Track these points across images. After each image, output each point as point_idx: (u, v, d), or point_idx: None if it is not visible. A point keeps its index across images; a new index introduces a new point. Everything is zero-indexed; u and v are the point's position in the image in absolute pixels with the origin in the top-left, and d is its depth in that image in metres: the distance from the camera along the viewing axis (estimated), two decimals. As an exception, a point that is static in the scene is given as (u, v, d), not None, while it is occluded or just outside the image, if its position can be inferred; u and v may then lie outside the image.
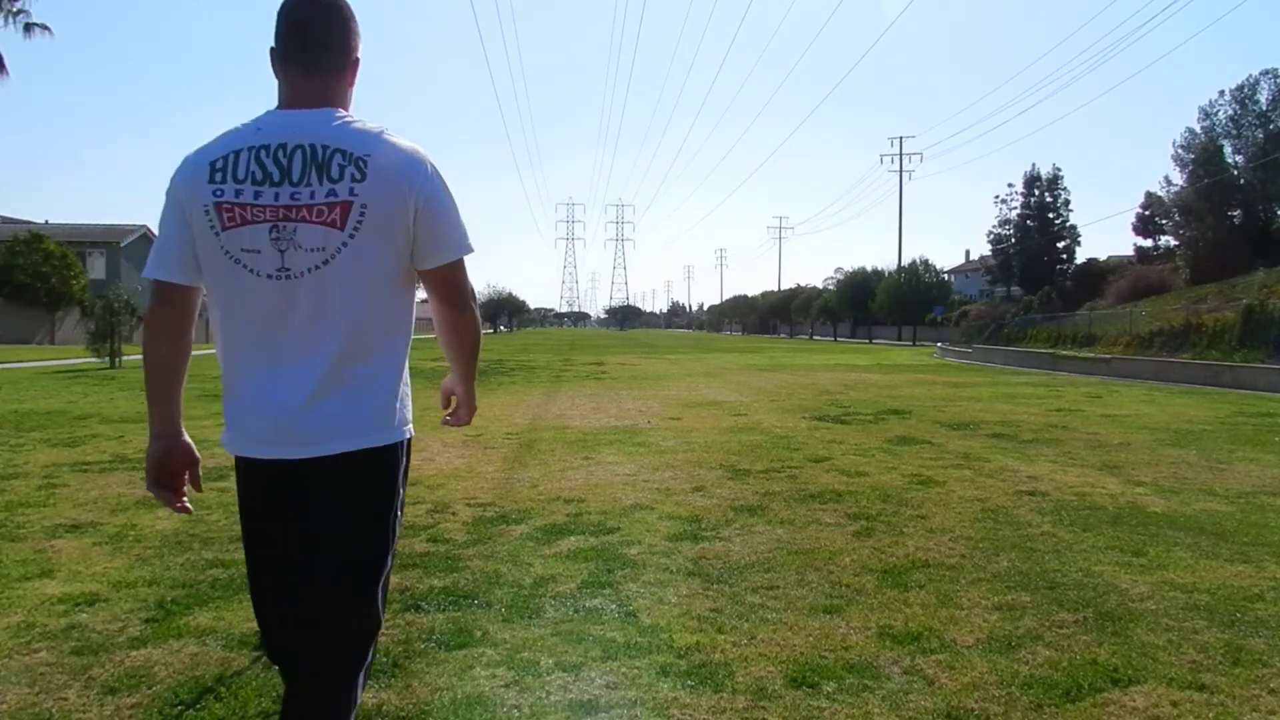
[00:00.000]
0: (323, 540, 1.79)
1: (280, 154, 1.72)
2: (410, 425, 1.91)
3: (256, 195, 1.71)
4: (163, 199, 1.80)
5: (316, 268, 1.72)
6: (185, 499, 1.87)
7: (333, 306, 1.75)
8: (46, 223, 47.48)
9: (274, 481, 1.81)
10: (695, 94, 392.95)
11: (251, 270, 1.73)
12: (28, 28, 27.17)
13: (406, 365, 1.93)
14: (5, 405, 11.49)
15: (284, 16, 1.81)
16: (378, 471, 1.83)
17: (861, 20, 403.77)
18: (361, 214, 1.72)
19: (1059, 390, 16.02)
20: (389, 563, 1.88)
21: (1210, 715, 2.62)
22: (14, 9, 26.73)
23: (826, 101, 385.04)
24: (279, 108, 1.82)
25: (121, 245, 45.81)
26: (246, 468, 1.85)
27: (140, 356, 1.94)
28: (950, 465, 7.11)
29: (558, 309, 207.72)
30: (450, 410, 2.16)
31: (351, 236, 1.72)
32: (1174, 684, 2.82)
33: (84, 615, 3.39)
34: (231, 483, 2.01)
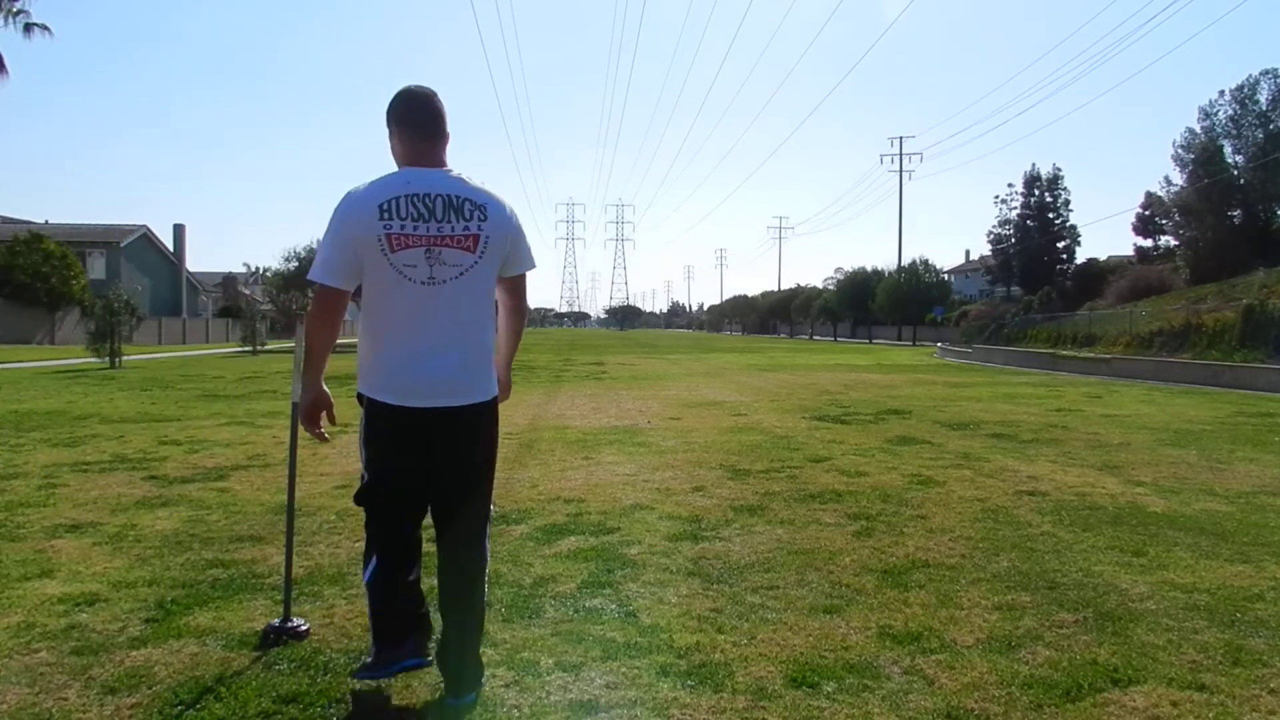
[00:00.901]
0: (464, 456, 2.70)
1: (426, 200, 2.57)
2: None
3: (415, 228, 2.55)
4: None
5: (455, 278, 2.59)
6: (323, 430, 2.78)
7: (464, 304, 2.62)
8: (46, 223, 47.49)
9: (414, 422, 2.60)
10: (695, 94, 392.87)
11: (410, 279, 2.55)
12: (28, 28, 27.22)
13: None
14: (5, 405, 11.49)
15: (410, 108, 2.68)
16: (490, 414, 2.75)
17: (861, 20, 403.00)
18: (485, 243, 2.63)
19: (1059, 390, 16.02)
20: (493, 471, 2.85)
21: (1210, 715, 2.62)
22: (14, 9, 26.76)
23: (826, 101, 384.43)
24: (407, 166, 2.66)
25: (121, 245, 45.81)
26: (395, 414, 2.60)
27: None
28: (950, 465, 7.11)
29: (558, 309, 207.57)
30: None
31: (480, 258, 2.62)
32: (1174, 684, 2.82)
33: (84, 615, 3.38)
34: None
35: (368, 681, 2.77)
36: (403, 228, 2.53)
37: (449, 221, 2.57)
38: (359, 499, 2.75)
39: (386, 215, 2.53)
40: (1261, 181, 32.91)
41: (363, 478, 2.73)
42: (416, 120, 2.68)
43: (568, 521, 5.03)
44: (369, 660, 2.77)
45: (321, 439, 2.79)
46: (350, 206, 2.56)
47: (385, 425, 2.64)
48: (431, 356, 2.59)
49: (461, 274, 2.59)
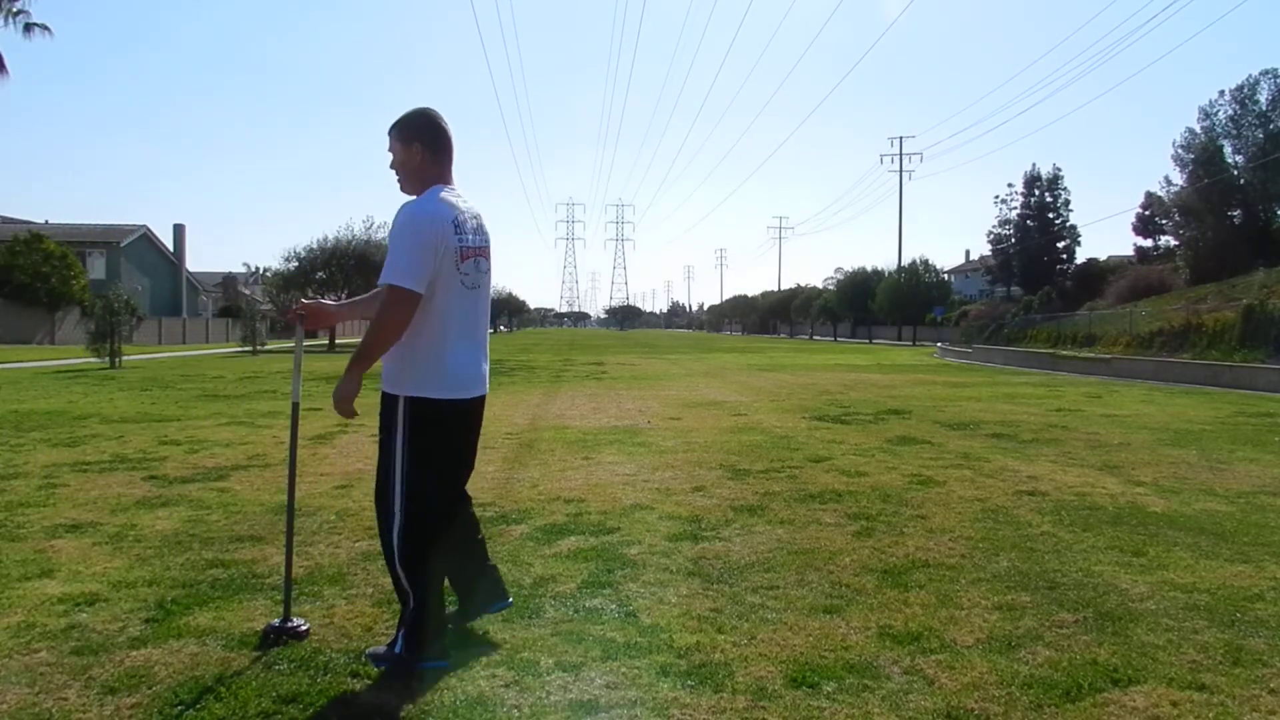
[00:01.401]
0: (478, 435, 3.21)
1: (469, 216, 3.00)
2: None
3: (472, 240, 2.99)
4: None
5: (485, 284, 3.08)
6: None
7: (485, 305, 3.12)
8: (46, 223, 47.48)
9: (470, 410, 3.07)
10: (695, 93, 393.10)
11: (465, 285, 2.99)
12: (28, 28, 27.25)
13: None
14: (5, 405, 11.49)
15: (440, 133, 3.05)
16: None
17: (861, 20, 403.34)
18: (490, 253, 3.12)
19: (1059, 390, 16.02)
20: None
21: (1210, 715, 2.62)
22: (14, 9, 26.77)
23: (826, 101, 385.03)
24: (435, 183, 3.00)
25: (121, 245, 45.81)
26: (453, 407, 2.97)
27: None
28: (950, 465, 7.11)
29: (558, 309, 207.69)
30: None
31: (490, 265, 3.13)
32: (1174, 684, 2.82)
33: (84, 615, 3.38)
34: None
35: (366, 680, 2.78)
36: (467, 241, 2.96)
37: (481, 234, 3.05)
38: (426, 506, 2.96)
39: (459, 230, 2.93)
40: (1261, 181, 32.87)
41: (405, 484, 2.94)
42: (445, 145, 3.07)
43: (568, 521, 5.03)
44: (395, 651, 2.94)
45: (353, 415, 3.00)
46: (436, 220, 2.89)
47: (445, 421, 2.98)
48: (477, 352, 3.07)
49: (487, 279, 3.09)
